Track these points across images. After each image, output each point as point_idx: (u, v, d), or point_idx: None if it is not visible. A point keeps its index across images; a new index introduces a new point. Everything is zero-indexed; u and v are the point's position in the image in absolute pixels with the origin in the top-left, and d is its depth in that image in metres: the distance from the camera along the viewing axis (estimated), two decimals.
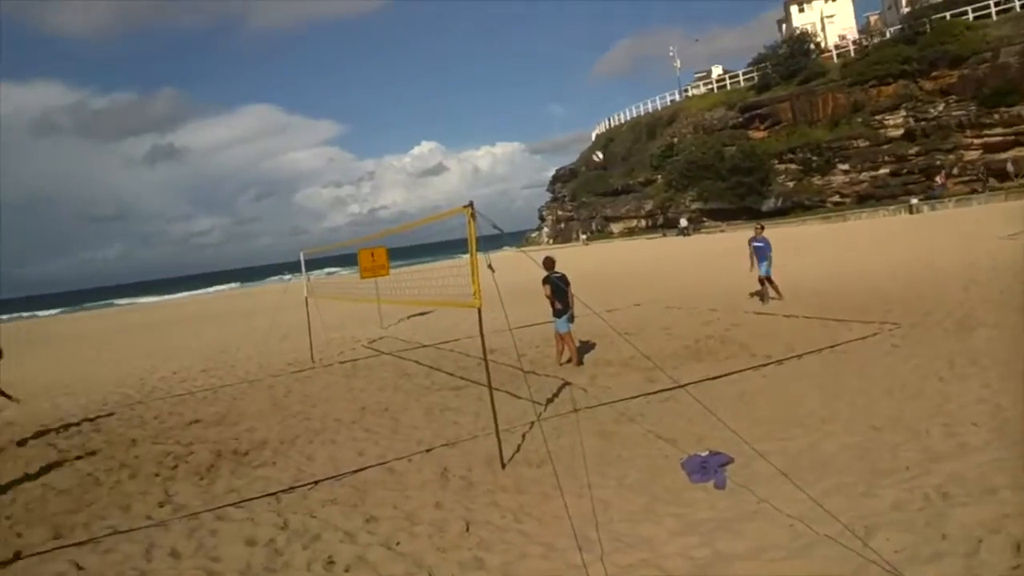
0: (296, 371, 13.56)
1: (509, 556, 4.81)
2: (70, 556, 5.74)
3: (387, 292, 15.63)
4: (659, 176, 62.34)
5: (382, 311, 19.51)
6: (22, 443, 10.02)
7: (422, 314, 20.30)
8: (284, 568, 5.09)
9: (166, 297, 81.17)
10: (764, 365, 9.38)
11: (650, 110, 71.10)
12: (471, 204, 6.71)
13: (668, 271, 25.51)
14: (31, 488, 7.79)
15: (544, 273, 10.91)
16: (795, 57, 55.51)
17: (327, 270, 48.24)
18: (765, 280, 14.82)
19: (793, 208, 49.99)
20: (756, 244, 14.90)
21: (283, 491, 6.70)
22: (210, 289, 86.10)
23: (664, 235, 56.37)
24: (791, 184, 51.31)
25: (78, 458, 8.86)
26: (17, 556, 5.87)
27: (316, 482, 6.85)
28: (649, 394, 8.52)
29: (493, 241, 7.02)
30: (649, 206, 62.99)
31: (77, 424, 10.94)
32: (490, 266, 6.74)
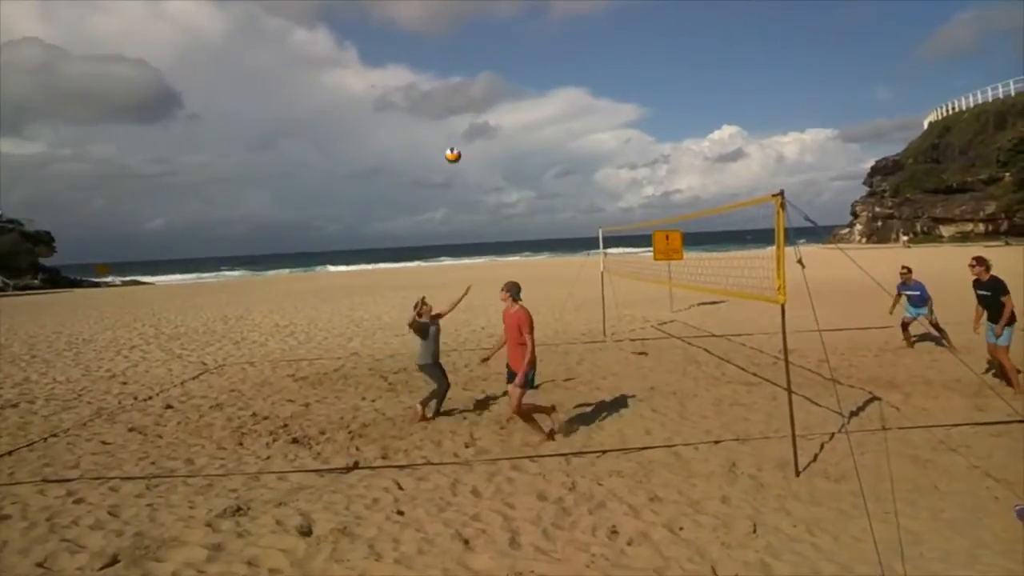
0: (588, 342, 14.12)
1: (800, 569, 4.60)
2: (393, 475, 6.67)
3: (679, 276, 15.53)
4: (1007, 174, 53.55)
5: (673, 295, 19.46)
6: (361, 372, 11.78)
7: (714, 303, 19.87)
8: (571, 528, 5.39)
9: (478, 260, 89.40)
10: None
11: (1000, 96, 61.17)
12: (781, 192, 6.37)
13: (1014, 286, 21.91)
14: (367, 411, 9.16)
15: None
16: None
17: (628, 249, 49.13)
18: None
19: None
20: (908, 292, 12.15)
21: (573, 454, 7.08)
22: (516, 257, 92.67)
23: (1007, 243, 48.53)
24: None
25: (403, 392, 10.20)
26: (356, 465, 6.98)
27: (604, 451, 7.13)
28: (978, 424, 7.48)
29: (798, 235, 6.60)
30: (991, 208, 54.64)
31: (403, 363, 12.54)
32: (800, 261, 6.37)
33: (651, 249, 19.30)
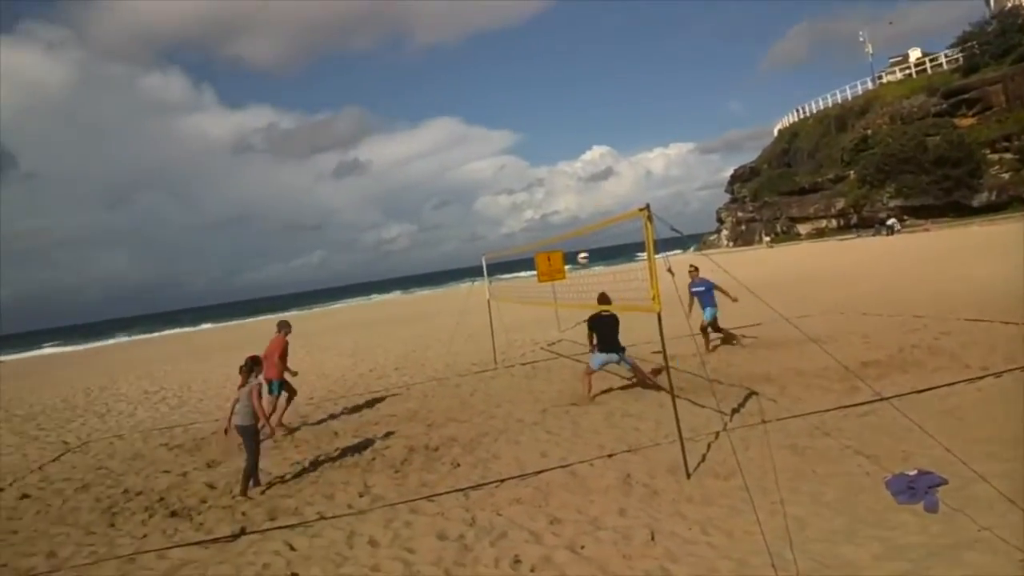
0: (480, 371, 14.06)
1: (698, 569, 4.68)
2: (284, 537, 6.32)
3: (563, 296, 15.76)
4: (851, 172, 58.21)
5: (559, 315, 19.74)
6: None
7: None
8: (473, 564, 5.27)
9: (361, 300, 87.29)
10: (980, 378, 8.43)
11: (839, 100, 66.63)
12: (647, 207, 6.58)
13: (863, 275, 23.70)
14: None
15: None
16: (1007, 34, 49.86)
17: (513, 275, 49.40)
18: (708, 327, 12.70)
19: (1010, 202, 44.76)
20: (695, 289, 12.61)
21: (471, 488, 6.97)
22: (398, 293, 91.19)
23: (858, 235, 52.46)
24: (1007, 176, 46.09)
25: (288, 449, 9.76)
26: (243, 531, 6.58)
27: (502, 480, 7.06)
28: (847, 407, 7.94)
29: (670, 245, 6.85)
30: (840, 204, 58.96)
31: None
32: (669, 270, 6.60)
33: (535, 272, 19.52)
